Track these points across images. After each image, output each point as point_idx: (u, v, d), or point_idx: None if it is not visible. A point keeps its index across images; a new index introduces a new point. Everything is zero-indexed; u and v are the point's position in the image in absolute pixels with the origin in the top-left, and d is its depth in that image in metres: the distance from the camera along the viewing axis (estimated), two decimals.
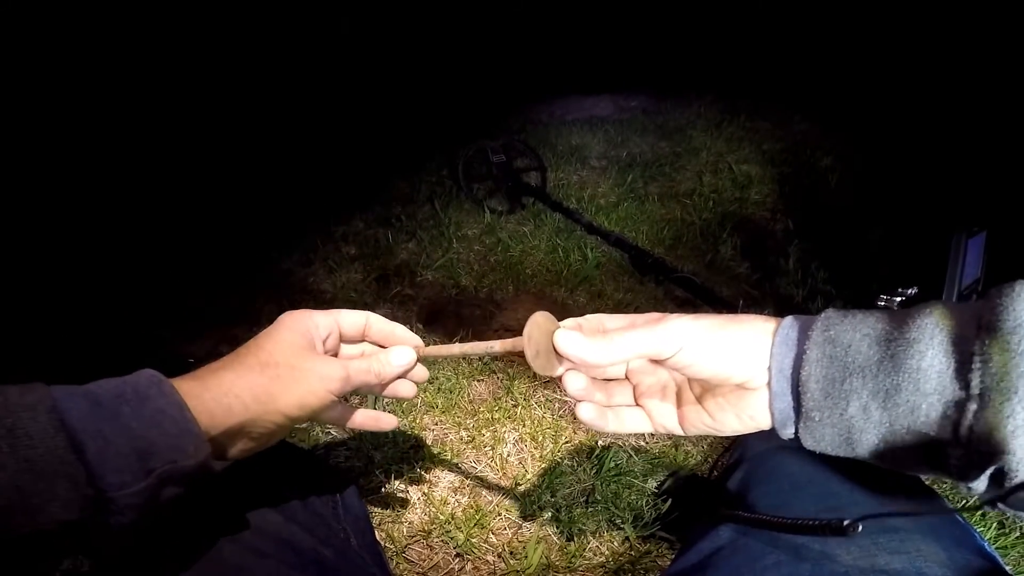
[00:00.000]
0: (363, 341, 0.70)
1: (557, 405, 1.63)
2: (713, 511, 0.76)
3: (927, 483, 0.69)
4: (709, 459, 1.49)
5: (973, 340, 0.38)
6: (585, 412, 0.56)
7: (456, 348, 0.66)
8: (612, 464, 1.45)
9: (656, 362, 0.53)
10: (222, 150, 3.27)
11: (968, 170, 2.56)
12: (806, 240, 2.30)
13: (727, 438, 1.51)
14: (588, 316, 0.59)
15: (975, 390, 0.38)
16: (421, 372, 0.72)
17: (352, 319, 0.66)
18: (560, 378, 0.57)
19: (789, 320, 0.48)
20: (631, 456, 1.49)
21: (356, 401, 1.58)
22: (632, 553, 1.31)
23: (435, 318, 1.95)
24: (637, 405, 0.59)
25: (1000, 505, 0.42)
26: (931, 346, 0.40)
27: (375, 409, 1.45)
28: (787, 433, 0.48)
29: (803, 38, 4.25)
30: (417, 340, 0.69)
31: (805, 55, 4.12)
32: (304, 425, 1.60)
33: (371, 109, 3.84)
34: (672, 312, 0.53)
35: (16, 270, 2.16)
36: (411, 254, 2.36)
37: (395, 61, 4.21)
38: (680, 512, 1.34)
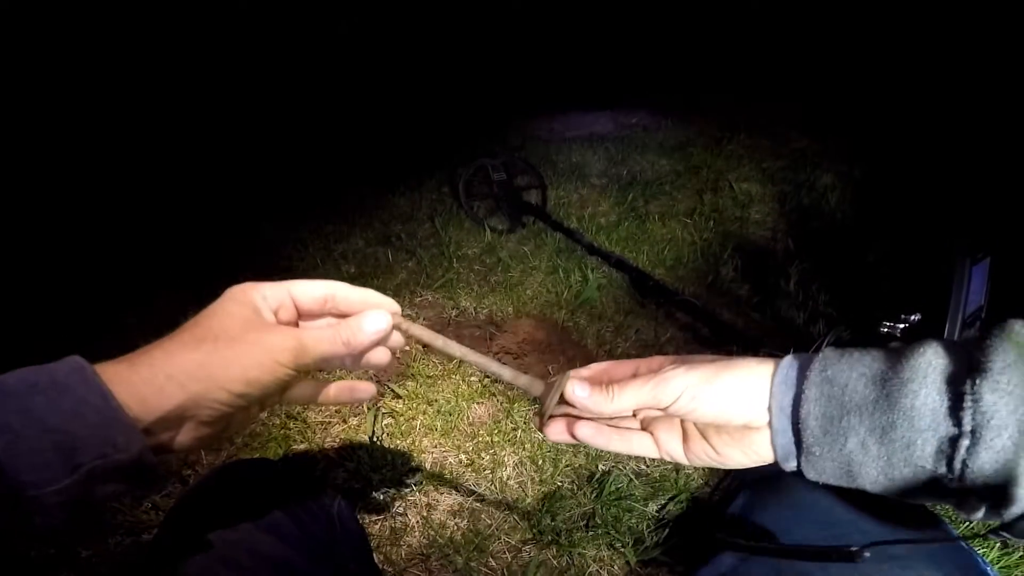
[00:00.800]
0: (328, 316, 0.62)
1: None
2: (714, 537, 0.75)
3: (931, 509, 0.70)
4: (710, 483, 1.48)
5: (964, 380, 0.40)
6: (584, 432, 0.57)
7: (451, 346, 0.60)
8: (613, 488, 1.44)
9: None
10: (222, 163, 3.28)
11: (972, 188, 2.56)
12: (806, 260, 2.29)
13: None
14: (594, 365, 0.60)
15: (967, 427, 0.39)
16: (397, 338, 0.62)
17: (308, 289, 0.58)
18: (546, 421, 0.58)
19: (788, 360, 0.50)
20: (632, 480, 1.48)
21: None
22: None
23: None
24: (645, 430, 0.59)
25: (1003, 533, 0.43)
26: (924, 385, 0.42)
27: (376, 428, 1.44)
28: (790, 466, 0.50)
29: (803, 54, 4.27)
30: (393, 305, 0.61)
31: (805, 71, 4.14)
32: (300, 444, 1.60)
33: (372, 126, 3.85)
34: (673, 351, 0.54)
35: None
36: (411, 273, 2.36)
37: (396, 78, 4.23)
38: (681, 538, 1.33)
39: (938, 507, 1.37)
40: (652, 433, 0.57)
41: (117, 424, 0.44)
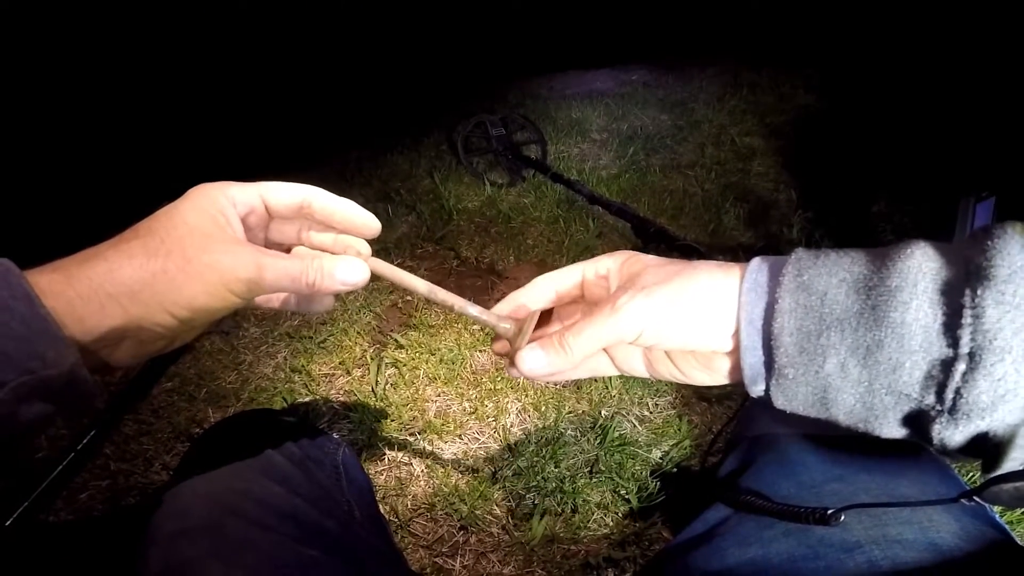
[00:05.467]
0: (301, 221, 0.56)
1: None
2: (705, 492, 0.75)
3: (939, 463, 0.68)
4: (713, 428, 1.49)
5: (963, 288, 0.34)
6: (532, 361, 0.50)
7: (417, 283, 0.54)
8: (616, 434, 1.45)
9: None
10: (220, 123, 3.24)
11: (975, 137, 2.53)
12: (810, 210, 2.28)
13: (730, 409, 1.51)
14: (535, 281, 0.55)
15: (964, 349, 0.34)
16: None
17: (283, 194, 0.53)
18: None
19: (756, 263, 0.44)
20: (635, 426, 1.49)
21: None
22: (637, 524, 1.30)
23: None
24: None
25: (976, 499, 0.40)
26: (915, 295, 0.36)
27: (379, 379, 1.44)
28: (757, 390, 0.44)
29: (806, 9, 4.20)
30: (375, 225, 0.54)
31: (808, 28, 4.08)
32: (305, 397, 1.60)
33: (370, 85, 3.80)
34: None
35: None
36: (411, 227, 2.35)
37: (393, 36, 4.17)
38: (682, 484, 1.34)
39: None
40: (607, 351, 0.53)
41: (46, 336, 0.39)
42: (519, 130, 2.81)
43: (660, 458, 1.43)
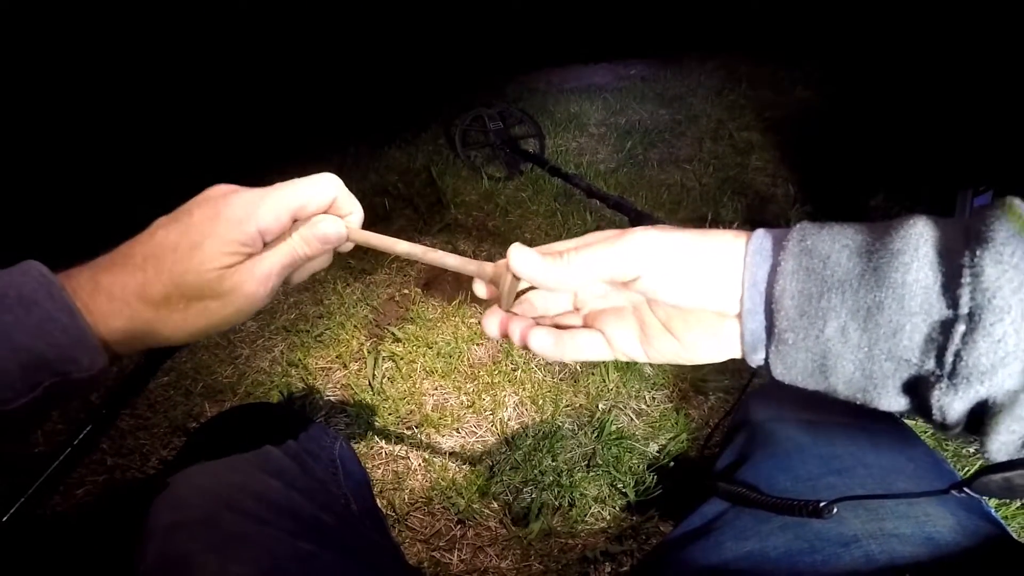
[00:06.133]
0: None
1: (558, 368, 1.62)
2: (701, 486, 0.75)
3: (933, 448, 0.68)
4: (710, 422, 1.49)
5: (963, 252, 0.34)
6: (538, 340, 0.50)
7: (398, 244, 0.53)
8: (613, 428, 1.45)
9: (619, 284, 0.47)
10: (214, 118, 3.24)
11: (973, 131, 2.53)
12: (808, 204, 2.28)
13: (727, 402, 1.51)
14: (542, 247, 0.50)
15: (964, 308, 0.33)
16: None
17: (315, 206, 0.53)
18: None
19: (761, 231, 0.43)
20: (632, 420, 1.49)
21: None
22: (634, 518, 1.31)
23: (433, 283, 1.93)
24: (594, 328, 0.51)
25: (966, 490, 0.40)
26: (916, 258, 0.35)
27: (376, 372, 1.44)
28: (757, 359, 0.43)
29: (805, 4, 4.19)
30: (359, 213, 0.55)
31: (806, 23, 4.07)
32: (302, 391, 1.60)
33: (367, 79, 3.79)
34: None
35: None
36: (409, 220, 2.34)
37: (391, 30, 4.16)
38: (679, 478, 1.34)
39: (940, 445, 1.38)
40: (601, 331, 0.51)
41: (83, 345, 0.43)
42: (517, 124, 2.81)
43: (657, 452, 1.43)
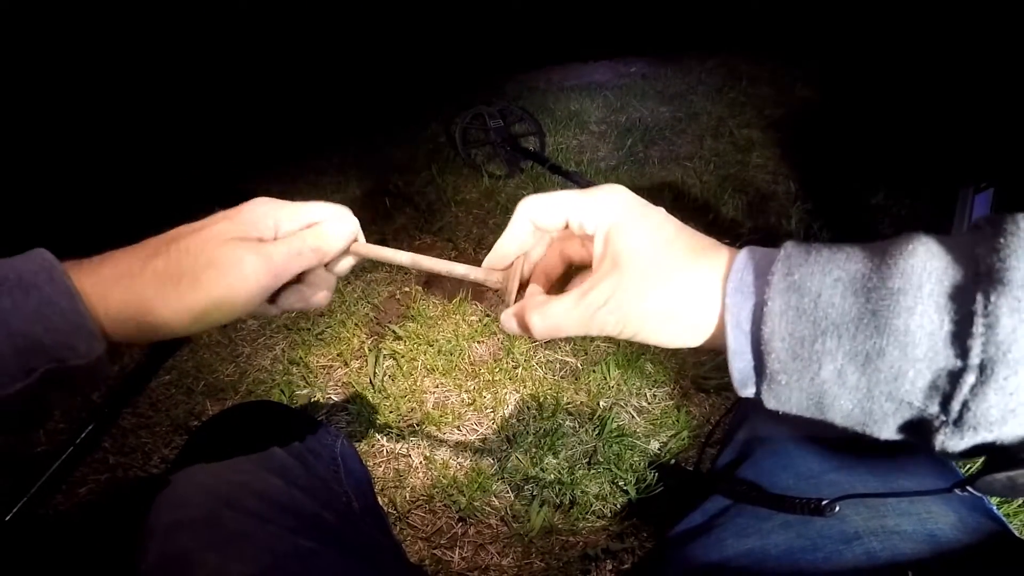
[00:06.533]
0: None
1: (558, 366, 1.62)
2: (702, 483, 0.75)
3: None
4: (711, 419, 1.49)
5: (973, 292, 0.30)
6: (508, 326, 0.49)
7: (400, 255, 0.55)
8: (614, 425, 1.45)
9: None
10: (214, 118, 3.24)
11: (973, 129, 2.53)
12: (808, 201, 2.28)
13: (728, 399, 1.51)
14: (514, 217, 0.51)
15: (975, 360, 0.30)
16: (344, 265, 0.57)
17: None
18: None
19: (742, 259, 0.40)
20: (633, 417, 1.49)
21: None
22: (635, 515, 1.30)
23: (434, 281, 1.93)
24: None
25: (969, 489, 0.38)
26: (919, 300, 0.32)
27: (377, 370, 1.44)
28: (747, 393, 0.41)
29: (805, 3, 4.18)
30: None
31: (807, 20, 4.06)
32: (303, 389, 1.60)
33: (368, 78, 3.80)
34: None
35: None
36: (409, 219, 2.35)
37: (392, 28, 4.15)
38: (680, 476, 1.34)
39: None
40: None
41: (81, 330, 0.42)
42: (517, 122, 2.81)
43: (658, 449, 1.43)
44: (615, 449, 1.41)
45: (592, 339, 1.67)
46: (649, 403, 1.53)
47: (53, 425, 1.51)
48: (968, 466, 1.35)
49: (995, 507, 0.61)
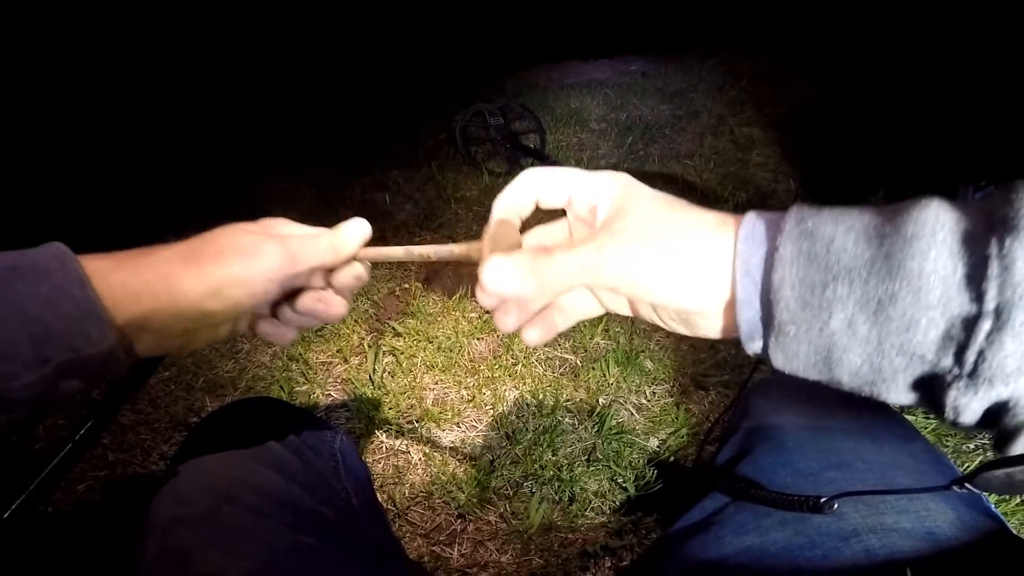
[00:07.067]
0: None
1: (558, 363, 1.63)
2: (701, 481, 0.75)
3: (934, 444, 0.68)
4: (711, 417, 1.49)
5: (987, 238, 0.30)
6: (532, 336, 0.48)
7: (394, 252, 0.55)
8: (613, 422, 1.45)
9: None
10: (214, 117, 3.24)
11: (973, 127, 2.53)
12: (808, 200, 2.26)
13: (728, 397, 1.51)
14: (517, 180, 0.49)
15: (990, 304, 0.29)
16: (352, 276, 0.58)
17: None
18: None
19: (752, 214, 0.39)
20: (632, 414, 1.49)
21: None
22: (634, 512, 1.31)
23: (433, 277, 1.93)
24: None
25: (967, 486, 0.37)
26: (933, 244, 0.31)
27: (377, 367, 1.44)
28: (754, 347, 0.39)
29: (806, 2, 4.18)
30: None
31: (807, 19, 4.05)
32: (303, 385, 1.60)
33: (368, 75, 3.79)
34: None
35: None
36: (409, 215, 2.35)
37: (392, 25, 4.15)
38: (679, 473, 1.34)
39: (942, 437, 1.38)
40: (594, 292, 0.48)
41: (93, 318, 0.42)
42: (518, 119, 2.80)
43: (657, 446, 1.43)
44: (614, 446, 1.41)
45: (592, 336, 1.67)
46: (648, 400, 1.53)
47: (52, 422, 1.51)
48: (965, 464, 1.35)
49: (993, 505, 0.61)
